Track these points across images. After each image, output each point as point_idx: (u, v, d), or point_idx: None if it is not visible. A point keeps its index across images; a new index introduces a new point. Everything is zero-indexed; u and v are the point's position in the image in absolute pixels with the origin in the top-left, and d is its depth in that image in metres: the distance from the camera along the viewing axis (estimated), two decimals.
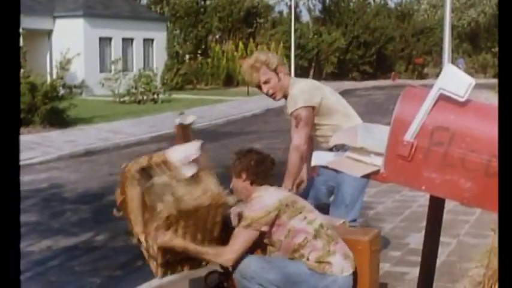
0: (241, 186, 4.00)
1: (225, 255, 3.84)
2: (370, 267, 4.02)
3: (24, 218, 7.70)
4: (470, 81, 2.53)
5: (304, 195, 4.65)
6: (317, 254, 3.76)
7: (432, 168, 2.57)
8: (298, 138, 4.48)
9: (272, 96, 4.60)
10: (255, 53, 4.86)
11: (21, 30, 19.21)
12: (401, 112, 2.62)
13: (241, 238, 3.82)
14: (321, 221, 3.90)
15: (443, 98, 2.57)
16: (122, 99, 24.30)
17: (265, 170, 3.99)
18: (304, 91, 4.55)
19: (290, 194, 4.08)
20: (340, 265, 3.75)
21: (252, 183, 3.96)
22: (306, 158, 4.61)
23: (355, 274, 3.84)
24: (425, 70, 47.55)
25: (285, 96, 4.63)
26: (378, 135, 2.76)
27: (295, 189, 4.61)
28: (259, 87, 4.59)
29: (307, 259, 3.77)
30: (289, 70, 28.89)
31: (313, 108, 4.53)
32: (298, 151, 4.50)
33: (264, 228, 3.82)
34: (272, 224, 3.83)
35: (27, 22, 23.22)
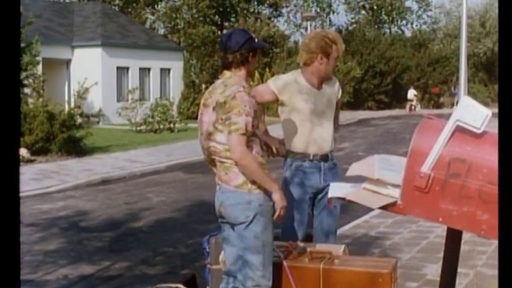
0: None
1: None
2: None
3: (41, 246, 7.75)
4: (487, 113, 2.54)
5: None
6: None
7: (449, 200, 2.57)
8: None
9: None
10: (314, 33, 5.19)
11: (40, 59, 19.46)
12: (418, 144, 2.63)
13: None
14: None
15: (459, 130, 2.58)
16: (138, 128, 24.44)
17: None
18: None
19: None
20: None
21: None
22: None
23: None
24: (442, 99, 47.38)
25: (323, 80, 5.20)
26: (394, 167, 2.77)
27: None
28: None
29: None
30: None
31: None
32: None
33: None
34: None
35: (46, 51, 23.51)
